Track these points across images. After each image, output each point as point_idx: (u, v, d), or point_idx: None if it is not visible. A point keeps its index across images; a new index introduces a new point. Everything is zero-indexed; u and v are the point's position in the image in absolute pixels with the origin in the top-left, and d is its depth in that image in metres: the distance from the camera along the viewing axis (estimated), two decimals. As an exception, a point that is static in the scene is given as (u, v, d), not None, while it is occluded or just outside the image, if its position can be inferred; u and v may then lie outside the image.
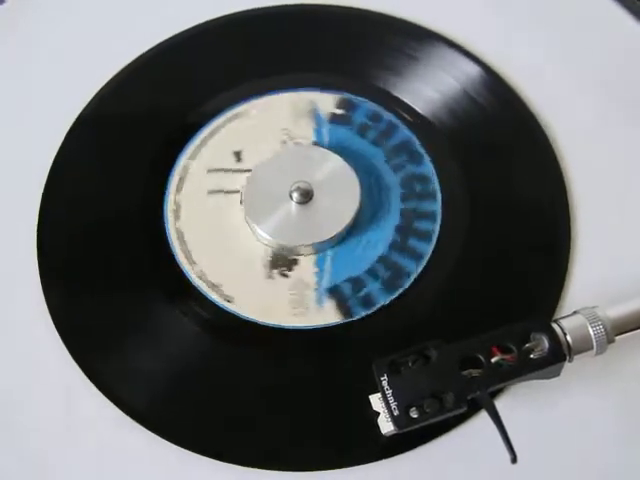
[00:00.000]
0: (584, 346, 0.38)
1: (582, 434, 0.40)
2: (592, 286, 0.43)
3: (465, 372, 0.37)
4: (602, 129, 0.47)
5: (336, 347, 0.42)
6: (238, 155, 0.46)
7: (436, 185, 0.45)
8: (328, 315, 0.42)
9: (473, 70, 0.49)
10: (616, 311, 0.39)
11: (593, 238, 0.44)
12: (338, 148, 0.46)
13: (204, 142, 0.47)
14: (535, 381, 0.38)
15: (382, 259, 0.44)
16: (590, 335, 0.38)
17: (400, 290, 0.43)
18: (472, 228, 0.44)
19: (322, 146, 0.46)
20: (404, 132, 0.47)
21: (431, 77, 0.48)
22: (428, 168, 0.46)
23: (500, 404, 0.38)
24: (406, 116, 0.47)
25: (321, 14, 0.51)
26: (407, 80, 0.48)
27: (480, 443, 0.39)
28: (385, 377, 0.37)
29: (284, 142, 0.47)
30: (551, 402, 0.40)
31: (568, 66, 0.49)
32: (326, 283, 0.43)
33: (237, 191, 0.45)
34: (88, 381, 0.41)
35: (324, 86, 0.48)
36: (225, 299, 0.43)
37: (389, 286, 0.43)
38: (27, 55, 0.50)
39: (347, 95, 0.48)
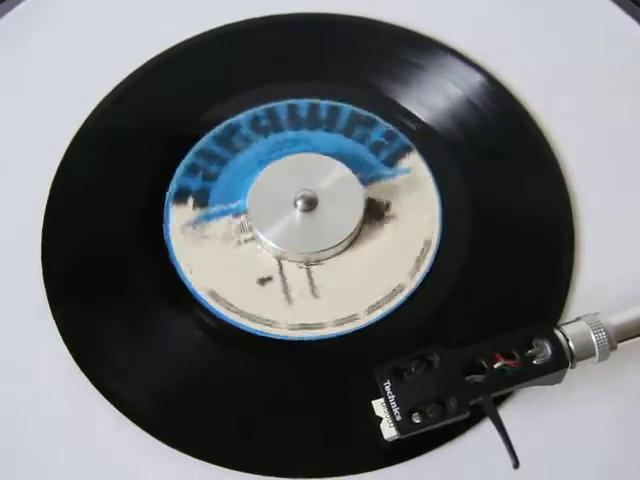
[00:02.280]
0: (586, 352, 0.38)
1: (584, 440, 0.40)
2: (595, 292, 0.43)
3: (468, 378, 0.38)
4: (604, 136, 0.47)
5: (338, 353, 0.42)
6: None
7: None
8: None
9: (476, 78, 0.49)
10: (619, 318, 0.39)
11: (596, 245, 0.44)
12: (335, 152, 0.46)
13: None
14: (537, 387, 0.38)
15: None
16: (592, 342, 0.38)
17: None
18: (474, 235, 0.44)
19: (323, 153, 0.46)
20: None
21: (434, 85, 0.49)
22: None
23: (502, 410, 0.39)
24: (408, 124, 0.48)
25: (324, 23, 0.51)
26: (410, 88, 0.49)
27: (483, 451, 0.39)
28: (388, 382, 0.37)
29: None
30: (553, 408, 0.40)
31: (571, 74, 0.50)
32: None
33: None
34: (91, 386, 0.41)
35: (326, 95, 0.48)
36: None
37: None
38: (29, 67, 0.50)
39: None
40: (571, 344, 0.38)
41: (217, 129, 0.48)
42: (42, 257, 0.44)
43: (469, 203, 0.45)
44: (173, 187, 0.46)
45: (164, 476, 0.40)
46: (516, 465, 0.36)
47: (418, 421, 0.37)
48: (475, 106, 0.48)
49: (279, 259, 0.44)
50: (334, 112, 0.48)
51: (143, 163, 0.47)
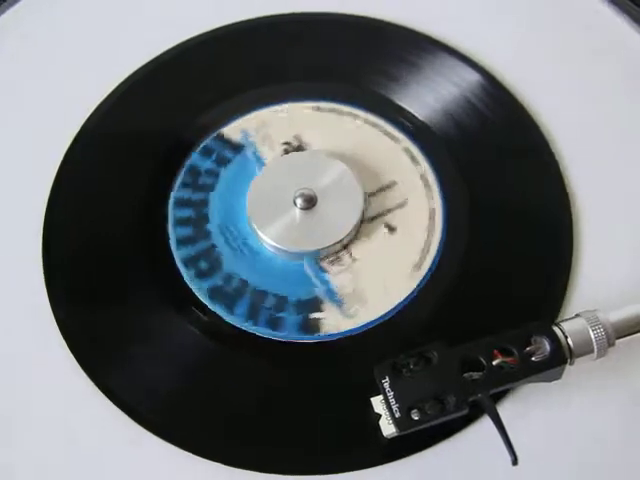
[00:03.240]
0: (585, 349, 0.38)
1: (583, 437, 0.40)
2: (594, 289, 0.43)
3: (466, 375, 0.38)
4: (603, 134, 0.47)
5: (337, 351, 0.42)
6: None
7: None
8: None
9: (473, 77, 0.49)
10: (617, 314, 0.39)
11: (595, 242, 0.44)
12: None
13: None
14: (536, 384, 0.39)
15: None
16: (591, 338, 0.38)
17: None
18: (473, 234, 0.45)
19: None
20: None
21: (431, 84, 0.49)
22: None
23: (501, 407, 0.39)
24: (406, 123, 0.48)
25: (321, 23, 0.51)
26: (407, 87, 0.49)
27: (481, 448, 0.39)
28: (387, 379, 0.38)
29: (287, 151, 0.47)
30: (552, 405, 0.40)
31: (569, 72, 0.50)
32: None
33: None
34: (92, 385, 0.41)
35: (324, 95, 0.48)
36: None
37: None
38: (26, 70, 0.50)
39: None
40: (570, 341, 0.38)
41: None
42: (43, 257, 0.44)
43: (467, 202, 0.45)
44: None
45: (164, 474, 0.40)
46: (515, 462, 0.36)
47: (417, 418, 0.37)
48: (473, 104, 0.48)
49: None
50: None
51: (143, 164, 0.47)
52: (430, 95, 0.49)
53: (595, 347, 0.38)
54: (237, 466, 0.39)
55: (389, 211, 0.45)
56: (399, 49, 0.50)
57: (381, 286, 0.43)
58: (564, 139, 0.47)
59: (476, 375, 0.38)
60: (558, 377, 0.39)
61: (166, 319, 0.43)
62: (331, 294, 0.43)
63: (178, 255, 0.44)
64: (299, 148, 0.47)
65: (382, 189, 0.46)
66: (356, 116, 0.48)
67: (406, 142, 0.47)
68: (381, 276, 0.43)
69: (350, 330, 0.42)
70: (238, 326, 0.42)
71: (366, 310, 0.43)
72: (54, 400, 0.41)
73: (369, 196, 0.45)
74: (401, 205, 0.45)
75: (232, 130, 0.48)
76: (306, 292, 0.43)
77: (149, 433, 0.40)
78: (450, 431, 0.40)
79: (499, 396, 0.39)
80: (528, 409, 0.40)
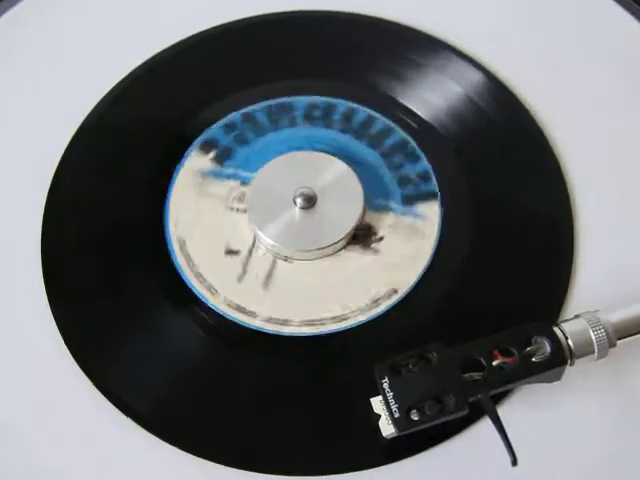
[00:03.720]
0: (586, 350, 0.38)
1: (583, 438, 0.40)
2: (594, 290, 0.43)
3: (466, 375, 0.37)
4: (604, 134, 0.47)
5: (337, 350, 0.42)
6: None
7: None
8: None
9: (476, 76, 0.49)
10: (618, 315, 0.39)
11: (595, 242, 0.44)
12: (338, 150, 0.46)
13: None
14: (536, 385, 0.38)
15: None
16: (592, 339, 0.38)
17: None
18: (474, 233, 0.44)
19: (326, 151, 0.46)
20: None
21: (434, 83, 0.49)
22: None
23: (501, 407, 0.39)
24: (409, 121, 0.48)
25: (323, 21, 0.51)
26: (410, 86, 0.49)
27: (481, 449, 0.39)
28: (386, 379, 0.37)
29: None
30: (552, 406, 0.40)
31: (571, 71, 0.49)
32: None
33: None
34: (89, 383, 0.41)
35: (325, 93, 0.48)
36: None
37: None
38: (27, 65, 0.50)
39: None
40: (570, 342, 0.38)
41: (273, 102, 0.48)
42: (41, 253, 0.44)
43: (468, 201, 0.45)
44: (204, 135, 0.47)
45: (163, 473, 0.39)
46: (514, 462, 0.36)
47: (416, 418, 0.37)
48: (475, 104, 0.48)
49: (255, 239, 0.44)
50: (349, 114, 0.48)
51: (143, 160, 0.47)
52: (433, 94, 0.48)
53: (596, 348, 0.38)
54: (234, 466, 0.39)
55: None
56: (403, 48, 0.50)
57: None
58: (566, 139, 0.47)
59: (476, 376, 0.38)
60: (558, 378, 0.39)
61: (166, 317, 0.43)
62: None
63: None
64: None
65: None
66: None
67: (406, 138, 0.47)
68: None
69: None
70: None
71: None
72: (51, 398, 0.41)
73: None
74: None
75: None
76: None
77: (146, 432, 0.40)
78: (450, 432, 0.39)
79: (499, 397, 0.39)
80: (528, 410, 0.40)
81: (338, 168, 0.45)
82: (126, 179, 0.47)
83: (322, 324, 0.42)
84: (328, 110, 0.48)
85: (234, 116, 0.48)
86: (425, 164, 0.46)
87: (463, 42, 0.50)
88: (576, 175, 0.46)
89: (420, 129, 0.47)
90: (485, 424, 0.38)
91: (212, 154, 0.47)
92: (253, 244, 0.44)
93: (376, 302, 0.43)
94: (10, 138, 0.48)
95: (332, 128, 0.47)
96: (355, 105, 0.48)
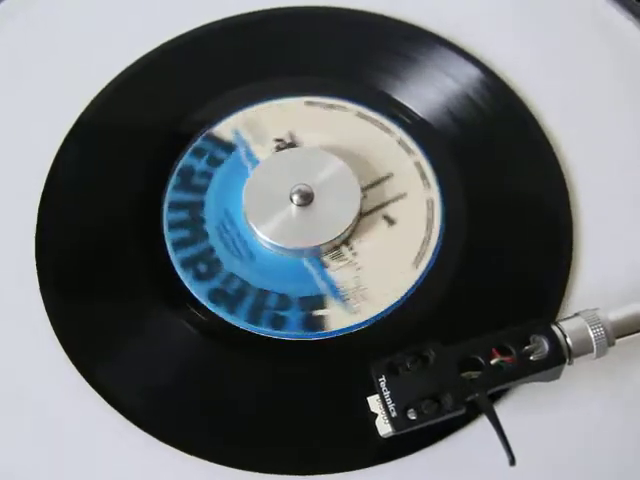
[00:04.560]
0: (584, 349, 0.38)
1: (582, 437, 0.39)
2: (593, 288, 0.42)
3: (464, 374, 0.37)
4: (603, 130, 0.47)
5: (334, 350, 0.42)
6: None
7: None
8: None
9: (473, 72, 0.49)
10: (617, 314, 0.39)
11: (595, 240, 0.44)
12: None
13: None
14: (534, 383, 0.38)
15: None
16: (590, 338, 0.38)
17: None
18: (472, 230, 0.44)
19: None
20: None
21: (430, 79, 0.48)
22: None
23: (499, 407, 0.38)
24: (404, 118, 0.47)
25: (318, 16, 0.51)
26: (406, 82, 0.48)
27: (479, 448, 0.39)
28: (383, 378, 0.37)
29: (280, 148, 0.47)
30: (551, 405, 0.40)
31: (569, 68, 0.49)
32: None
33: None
34: (86, 384, 0.41)
35: (322, 90, 0.48)
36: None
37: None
38: (24, 61, 0.50)
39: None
40: (569, 340, 0.38)
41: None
42: (36, 252, 0.44)
43: (467, 198, 0.45)
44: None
45: (159, 473, 0.39)
46: (512, 462, 0.35)
47: (413, 417, 0.37)
48: (472, 100, 0.48)
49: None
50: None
51: (139, 157, 0.47)
52: (429, 90, 0.48)
53: (595, 347, 0.38)
54: (232, 466, 0.39)
55: (387, 204, 0.45)
56: (398, 44, 0.49)
57: (382, 280, 0.43)
58: (563, 135, 0.47)
59: (474, 374, 0.37)
60: (557, 377, 0.38)
61: (163, 320, 0.42)
62: (334, 290, 0.43)
63: (175, 257, 0.44)
64: (291, 145, 0.46)
65: (378, 181, 0.46)
66: (346, 109, 0.47)
67: (401, 134, 0.47)
68: (382, 270, 0.43)
69: (356, 325, 0.42)
70: (238, 325, 0.42)
71: (370, 306, 0.42)
72: (45, 398, 0.41)
73: (365, 189, 0.45)
74: (399, 197, 0.45)
75: (223, 128, 0.47)
76: (309, 289, 0.43)
77: (143, 432, 0.40)
78: (447, 431, 0.39)
79: (497, 396, 0.39)
80: (526, 409, 0.40)
81: (335, 165, 0.45)
82: (123, 177, 0.46)
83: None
84: None
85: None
86: None
87: (460, 38, 0.50)
88: (575, 171, 0.46)
89: (415, 125, 0.47)
90: (483, 423, 0.38)
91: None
92: None
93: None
94: (3, 136, 0.48)
95: None
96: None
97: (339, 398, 0.40)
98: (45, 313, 0.42)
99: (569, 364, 0.38)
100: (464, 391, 0.37)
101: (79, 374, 0.41)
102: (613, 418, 0.40)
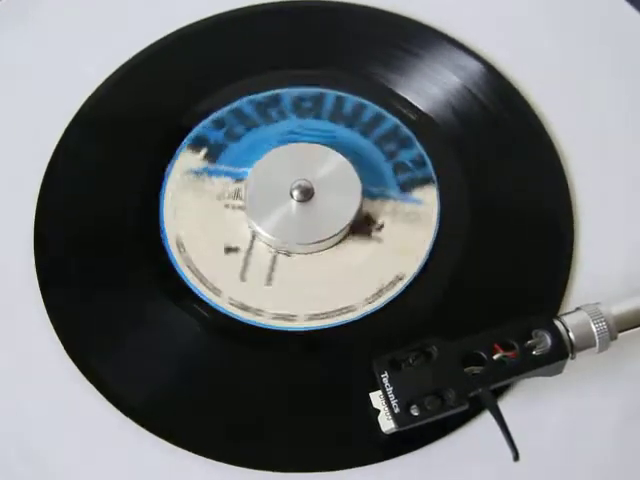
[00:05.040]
0: (587, 343, 0.38)
1: (585, 431, 0.39)
2: (595, 282, 0.42)
3: (467, 369, 0.37)
4: (606, 128, 0.47)
5: (336, 346, 0.42)
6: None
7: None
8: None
9: (476, 68, 0.48)
10: (619, 308, 0.39)
11: (596, 234, 0.44)
12: (338, 144, 0.46)
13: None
14: (537, 378, 0.38)
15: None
16: (593, 332, 0.38)
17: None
18: (473, 227, 0.44)
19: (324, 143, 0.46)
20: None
21: (433, 74, 0.48)
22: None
23: (502, 401, 0.38)
24: (407, 113, 0.47)
25: (321, 11, 0.51)
26: (409, 77, 0.48)
27: (482, 444, 0.39)
28: (386, 374, 0.37)
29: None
30: (553, 399, 0.40)
31: (573, 64, 0.49)
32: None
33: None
34: (86, 382, 0.41)
35: (324, 83, 0.48)
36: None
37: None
38: (22, 53, 0.50)
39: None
40: (571, 334, 0.38)
41: (261, 95, 0.48)
42: (35, 246, 0.44)
43: (468, 194, 0.45)
44: (194, 132, 0.46)
45: (161, 471, 0.39)
46: (516, 457, 0.35)
47: (416, 413, 0.36)
48: (475, 96, 0.48)
49: (254, 236, 0.44)
50: (340, 103, 0.48)
51: (139, 151, 0.46)
52: (431, 85, 0.48)
53: (597, 341, 0.38)
54: (234, 464, 0.39)
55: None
56: (400, 39, 0.49)
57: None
58: (565, 132, 0.47)
59: (477, 370, 0.37)
60: (559, 371, 0.38)
61: (165, 316, 0.42)
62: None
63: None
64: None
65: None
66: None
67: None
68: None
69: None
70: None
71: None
72: (47, 396, 0.41)
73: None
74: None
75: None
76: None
77: (140, 428, 0.40)
78: (451, 426, 0.39)
79: (500, 391, 0.39)
80: (529, 404, 0.40)
81: (335, 160, 0.45)
82: (122, 171, 0.46)
83: (327, 317, 0.42)
84: (317, 100, 0.47)
85: (222, 112, 0.47)
86: (419, 149, 0.46)
87: (463, 33, 0.49)
88: (576, 166, 0.46)
89: (417, 120, 0.47)
90: (486, 419, 0.38)
91: (203, 152, 0.46)
92: (252, 241, 0.44)
93: (380, 293, 0.42)
94: (4, 128, 0.48)
95: (322, 118, 0.47)
96: (344, 94, 0.47)
97: (342, 393, 0.40)
98: (44, 310, 0.42)
99: (572, 358, 0.38)
100: (467, 387, 0.37)
101: (79, 371, 0.41)
102: (616, 412, 0.40)
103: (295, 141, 0.46)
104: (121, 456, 0.39)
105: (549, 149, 0.46)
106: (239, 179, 0.45)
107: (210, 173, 0.46)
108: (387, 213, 0.44)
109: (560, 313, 0.39)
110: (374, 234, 0.44)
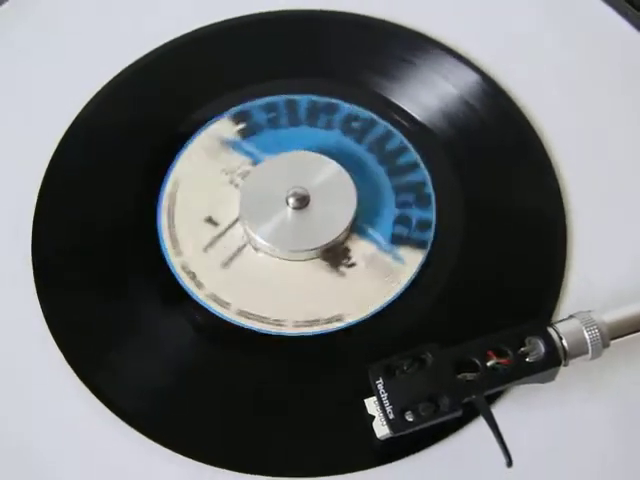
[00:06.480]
0: (579, 350, 0.38)
1: (577, 438, 0.40)
2: (588, 290, 0.43)
3: (460, 376, 0.37)
4: (599, 137, 0.47)
5: (331, 352, 0.42)
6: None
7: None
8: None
9: (471, 77, 0.49)
10: (612, 315, 0.39)
11: (589, 243, 0.44)
12: (335, 153, 0.46)
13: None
14: (530, 385, 0.38)
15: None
16: (586, 339, 0.38)
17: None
18: (468, 234, 0.44)
19: (319, 151, 0.46)
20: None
21: (428, 84, 0.49)
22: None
23: (495, 408, 0.38)
24: (403, 122, 0.47)
25: (318, 20, 0.51)
26: (404, 86, 0.49)
27: (476, 450, 0.39)
28: (380, 381, 0.37)
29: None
30: (546, 406, 0.40)
31: (566, 74, 0.50)
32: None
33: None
34: (82, 385, 0.41)
35: (320, 92, 0.48)
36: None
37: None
38: (22, 59, 0.50)
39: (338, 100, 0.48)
40: (564, 342, 0.38)
41: (323, 100, 0.48)
42: (32, 250, 0.44)
43: (462, 202, 0.45)
44: (240, 107, 0.48)
45: (152, 473, 0.39)
46: (509, 464, 0.36)
47: (411, 419, 0.37)
48: (470, 105, 0.48)
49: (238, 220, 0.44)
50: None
51: (137, 155, 0.47)
52: (427, 95, 0.48)
53: (590, 348, 0.38)
54: (228, 468, 0.39)
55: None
56: (397, 48, 0.50)
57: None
58: (560, 141, 0.47)
59: (470, 376, 0.37)
60: (552, 378, 0.39)
61: (162, 320, 0.42)
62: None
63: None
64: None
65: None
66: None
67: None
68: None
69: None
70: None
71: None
72: (41, 398, 0.41)
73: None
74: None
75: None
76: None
77: (137, 432, 0.40)
78: (444, 432, 0.39)
79: (493, 397, 0.39)
80: (523, 410, 0.40)
81: (331, 169, 0.45)
82: (119, 176, 0.46)
83: (316, 324, 0.42)
84: (367, 126, 0.47)
85: (279, 99, 0.48)
86: (431, 212, 0.45)
87: (458, 43, 0.50)
88: (571, 176, 0.46)
89: (413, 129, 0.47)
90: (480, 425, 0.38)
91: (241, 126, 0.47)
92: (233, 223, 0.45)
93: (370, 302, 0.42)
94: (4, 132, 0.48)
95: (363, 143, 0.47)
96: (396, 132, 0.47)
97: (337, 399, 0.40)
98: (41, 314, 0.42)
99: (564, 365, 0.38)
100: (461, 393, 0.37)
101: (75, 375, 0.41)
102: (609, 419, 0.40)
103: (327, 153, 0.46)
104: (117, 461, 0.39)
105: (543, 158, 0.46)
106: (256, 162, 0.46)
107: (235, 147, 0.46)
108: (365, 256, 0.44)
109: (553, 321, 0.40)
110: (342, 268, 0.44)
